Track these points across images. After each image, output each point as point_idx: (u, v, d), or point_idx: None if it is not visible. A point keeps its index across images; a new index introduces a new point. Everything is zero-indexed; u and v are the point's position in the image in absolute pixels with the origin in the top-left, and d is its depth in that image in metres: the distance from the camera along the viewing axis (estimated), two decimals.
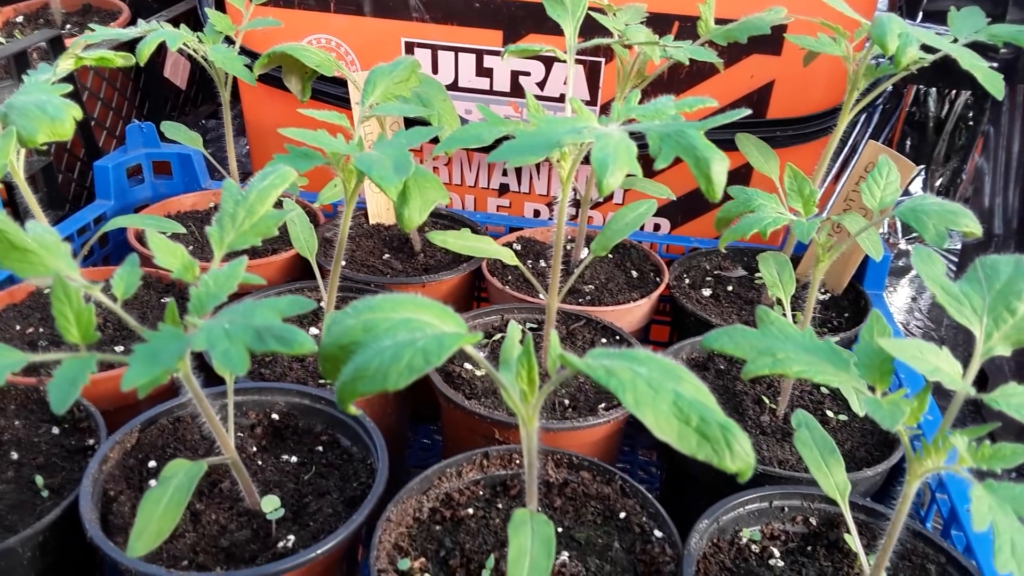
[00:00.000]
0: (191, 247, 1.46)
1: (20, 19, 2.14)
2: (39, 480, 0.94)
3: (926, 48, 1.13)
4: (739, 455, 0.56)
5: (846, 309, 1.38)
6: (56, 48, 1.65)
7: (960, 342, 1.91)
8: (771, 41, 1.43)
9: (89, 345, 0.75)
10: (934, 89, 2.26)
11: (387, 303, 0.64)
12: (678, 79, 1.51)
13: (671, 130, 0.73)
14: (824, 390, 1.16)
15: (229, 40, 1.40)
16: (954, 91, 2.25)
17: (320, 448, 1.02)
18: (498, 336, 1.25)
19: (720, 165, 0.69)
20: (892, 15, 1.06)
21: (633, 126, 0.77)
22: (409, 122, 1.55)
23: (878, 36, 1.01)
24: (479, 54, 1.56)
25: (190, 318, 0.69)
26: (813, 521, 0.93)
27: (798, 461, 1.02)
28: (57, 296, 0.70)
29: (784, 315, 1.06)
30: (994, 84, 1.11)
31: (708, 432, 0.57)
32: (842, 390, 0.97)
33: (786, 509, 0.93)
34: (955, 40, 1.16)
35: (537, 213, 1.72)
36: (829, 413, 1.11)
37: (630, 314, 1.35)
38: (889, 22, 1.02)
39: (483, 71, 1.58)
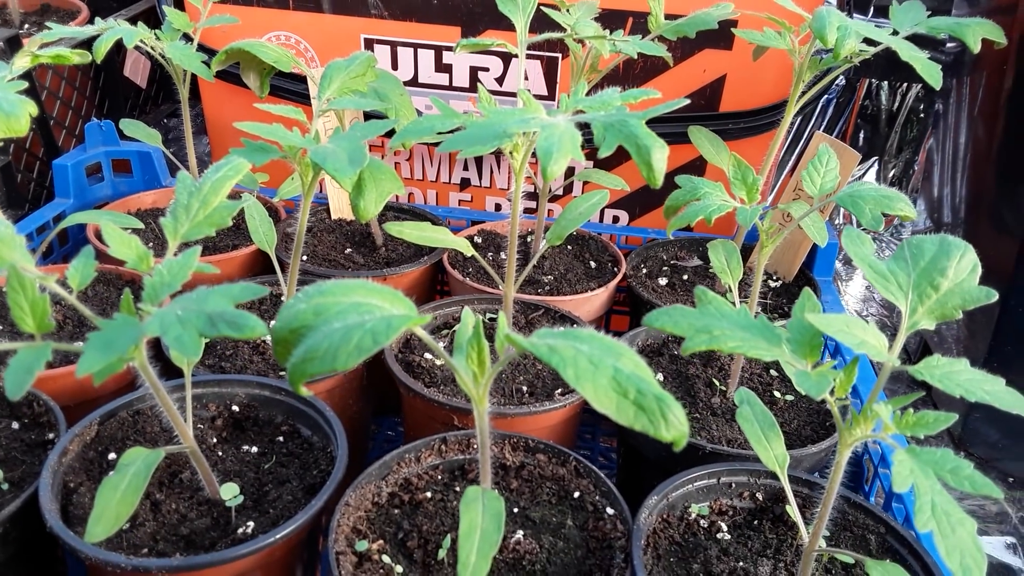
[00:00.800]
0: (151, 244, 1.46)
1: None
2: None
3: (869, 41, 1.17)
4: (673, 424, 0.59)
5: (796, 296, 1.41)
6: (14, 47, 1.64)
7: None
8: (723, 36, 1.47)
9: (45, 335, 0.76)
10: (886, 83, 2.32)
11: (338, 288, 0.66)
12: (633, 74, 1.54)
13: (614, 120, 0.76)
14: (773, 372, 1.20)
15: (188, 37, 1.40)
16: (905, 84, 2.31)
17: (281, 438, 1.03)
18: (457, 327, 1.27)
19: (660, 153, 0.72)
20: (832, 9, 1.09)
21: (579, 116, 0.80)
22: (368, 118, 1.57)
23: (817, 29, 1.05)
24: (438, 50, 1.58)
25: (144, 306, 0.71)
26: (759, 496, 0.96)
27: (746, 440, 1.05)
28: (12, 286, 0.71)
29: (734, 301, 1.10)
30: (932, 74, 1.15)
31: (644, 404, 0.59)
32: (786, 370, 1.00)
33: (733, 485, 0.96)
34: (895, 33, 1.20)
35: (498, 207, 1.74)
36: (777, 394, 1.15)
37: (588, 303, 1.38)
38: (828, 15, 1.06)
39: (442, 67, 1.60)
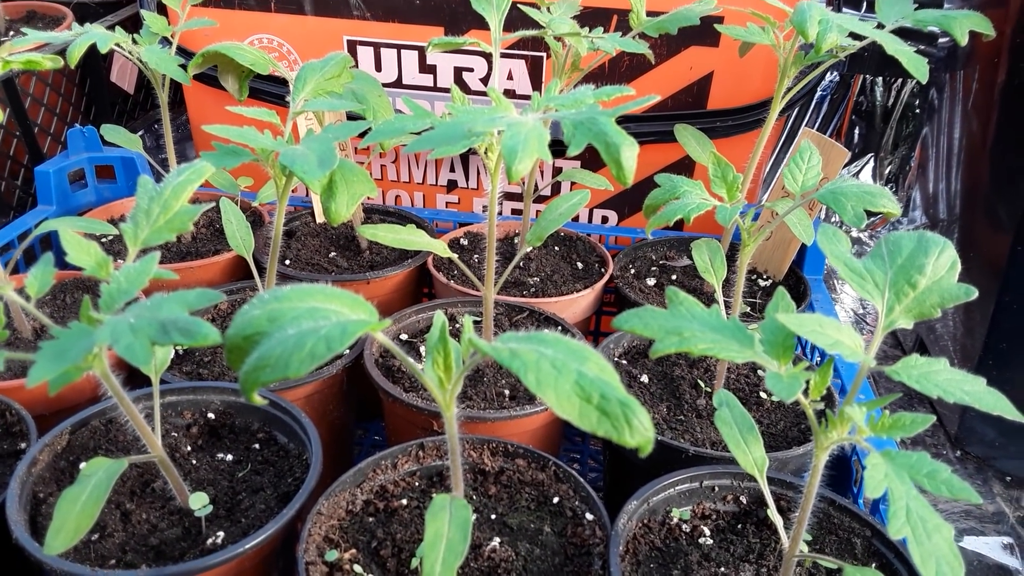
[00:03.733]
0: None
1: None
2: None
3: (856, 36, 1.15)
4: (638, 430, 0.57)
5: None
6: None
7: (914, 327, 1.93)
8: (709, 33, 1.44)
9: (7, 342, 0.74)
10: (880, 78, 2.29)
11: (294, 293, 0.64)
12: (619, 72, 1.52)
13: (583, 117, 0.74)
14: (760, 373, 1.18)
15: (168, 42, 1.39)
16: (900, 80, 2.28)
17: (256, 445, 1.02)
18: None
19: (629, 151, 0.70)
20: (813, 3, 1.07)
21: (550, 115, 0.78)
22: (352, 120, 1.55)
23: (798, 23, 1.03)
24: (422, 51, 1.56)
25: (100, 314, 0.69)
26: (743, 500, 0.94)
27: None
28: None
29: (718, 300, 1.08)
30: (919, 68, 1.13)
31: (608, 409, 0.57)
32: None
33: (716, 489, 0.94)
34: (881, 26, 1.18)
35: (486, 209, 1.72)
36: (763, 395, 1.13)
37: (574, 305, 1.36)
38: (809, 9, 1.04)
39: (426, 68, 1.58)
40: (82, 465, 0.95)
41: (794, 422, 1.10)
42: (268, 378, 0.58)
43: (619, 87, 0.85)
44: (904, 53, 1.12)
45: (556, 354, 0.61)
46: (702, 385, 1.14)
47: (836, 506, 0.92)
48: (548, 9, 1.25)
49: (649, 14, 1.27)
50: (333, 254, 1.46)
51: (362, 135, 1.03)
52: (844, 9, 1.89)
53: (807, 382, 0.68)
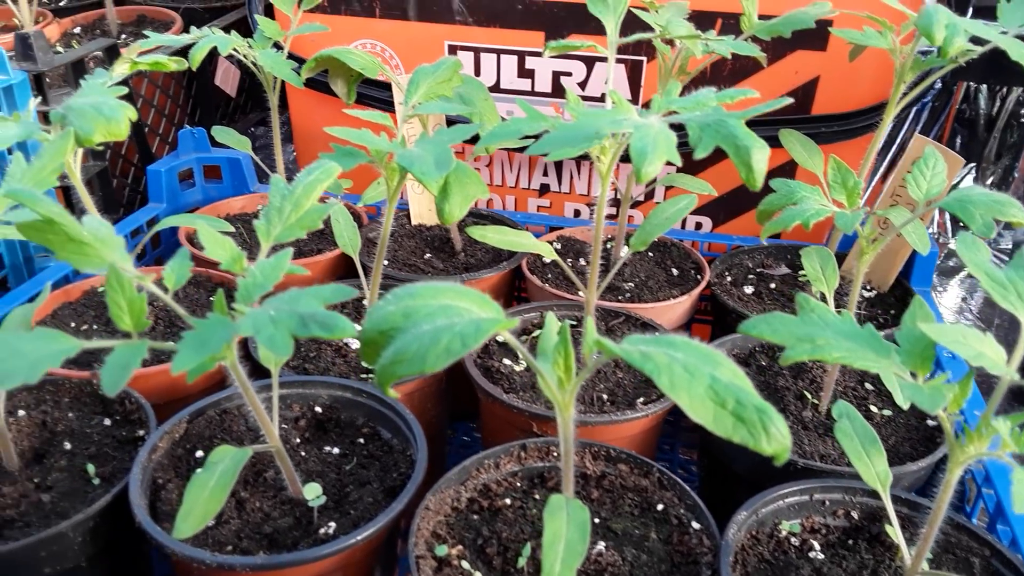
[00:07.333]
0: (240, 247, 1.49)
1: (77, 30, 2.22)
2: (91, 469, 0.96)
3: (975, 41, 1.11)
4: (775, 437, 0.56)
5: (892, 306, 1.36)
6: (112, 57, 1.70)
7: (1012, 342, 1.85)
8: (816, 37, 1.42)
9: (141, 333, 0.77)
10: (985, 86, 2.21)
11: (427, 291, 0.65)
12: (721, 76, 1.50)
13: (711, 120, 0.73)
14: (868, 386, 1.15)
15: (278, 46, 1.43)
16: (1005, 88, 2.20)
17: (361, 440, 1.04)
18: (537, 332, 1.26)
19: (761, 154, 0.69)
20: (939, 6, 1.04)
21: (673, 117, 0.78)
22: (451, 123, 1.57)
23: (924, 26, 1.00)
24: (521, 55, 1.57)
25: (237, 307, 0.71)
26: (855, 515, 0.91)
27: (840, 455, 1.01)
28: (111, 285, 0.73)
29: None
30: None
31: (744, 415, 0.57)
32: (886, 383, 0.96)
33: (827, 502, 0.92)
34: (1004, 32, 1.13)
35: (577, 213, 1.72)
36: (873, 408, 1.10)
37: (670, 311, 1.35)
38: (936, 12, 1.01)
39: (525, 72, 1.59)
40: (198, 453, 0.98)
41: (905, 437, 1.06)
42: (404, 372, 0.60)
43: (743, 90, 0.83)
44: None
45: (687, 358, 0.60)
46: (808, 396, 1.11)
47: (953, 524, 0.89)
48: (656, 12, 1.24)
49: (759, 17, 1.26)
50: (428, 255, 1.48)
51: (472, 139, 1.04)
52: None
53: None
